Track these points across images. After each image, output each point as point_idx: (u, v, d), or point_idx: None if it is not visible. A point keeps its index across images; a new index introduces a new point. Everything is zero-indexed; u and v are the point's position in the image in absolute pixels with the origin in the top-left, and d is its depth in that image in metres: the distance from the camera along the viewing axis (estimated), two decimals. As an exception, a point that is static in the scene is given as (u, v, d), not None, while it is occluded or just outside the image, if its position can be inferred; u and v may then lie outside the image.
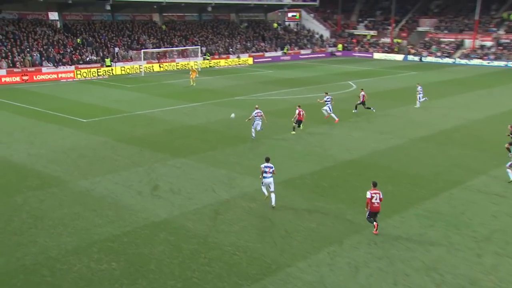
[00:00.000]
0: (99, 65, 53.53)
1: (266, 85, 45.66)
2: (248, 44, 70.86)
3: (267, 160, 16.89)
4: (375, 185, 14.84)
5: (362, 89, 33.15)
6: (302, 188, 18.72)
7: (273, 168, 16.59)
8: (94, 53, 55.16)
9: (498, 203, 17.39)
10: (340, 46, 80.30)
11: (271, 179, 16.59)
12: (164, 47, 60.75)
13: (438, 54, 70.85)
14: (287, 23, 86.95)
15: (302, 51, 75.82)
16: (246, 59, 66.44)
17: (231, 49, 67.28)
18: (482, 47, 69.97)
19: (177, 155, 22.79)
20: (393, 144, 25.13)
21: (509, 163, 19.41)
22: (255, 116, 25.53)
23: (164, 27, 66.82)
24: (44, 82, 47.87)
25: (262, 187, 17.01)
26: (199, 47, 61.76)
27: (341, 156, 22.97)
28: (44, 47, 52.17)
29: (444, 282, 12.26)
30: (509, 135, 22.46)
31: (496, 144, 24.32)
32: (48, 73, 49.43)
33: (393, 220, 15.80)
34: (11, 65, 48.07)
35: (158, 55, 59.14)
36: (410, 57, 72.04)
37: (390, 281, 12.30)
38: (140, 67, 55.36)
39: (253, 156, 22.41)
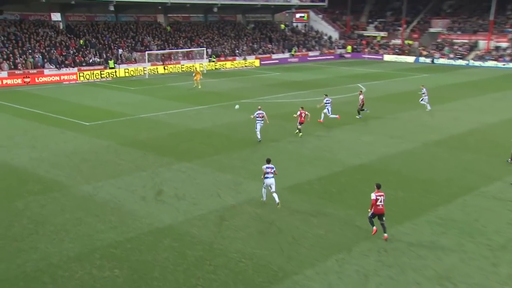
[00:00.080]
0: (102, 67, 53.77)
1: (273, 88, 45.70)
2: (255, 45, 70.97)
3: (268, 161, 17.41)
4: (379, 187, 15.00)
5: (360, 91, 33.11)
6: (310, 194, 18.70)
7: (275, 169, 17.20)
8: (97, 54, 55.44)
9: (514, 210, 17.28)
10: (349, 47, 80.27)
11: (272, 180, 17.09)
12: (169, 49, 60.95)
13: (451, 55, 70.60)
14: (294, 24, 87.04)
15: (310, 53, 75.82)
16: (252, 61, 66.53)
17: (237, 51, 67.42)
18: (497, 48, 69.67)
19: (182, 159, 22.83)
20: (404, 149, 25.04)
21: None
22: (256, 117, 25.78)
23: (169, 28, 67.08)
24: (46, 84, 48.14)
25: (263, 188, 17.44)
26: (205, 48, 61.93)
27: (350, 160, 22.92)
28: (46, 48, 52.49)
29: (457, 292, 12.20)
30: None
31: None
32: (50, 75, 49.67)
33: (404, 227, 15.73)
34: (12, 67, 48.36)
35: (163, 57, 59.35)
36: (422, 59, 71.85)
37: (401, 290, 12.25)
38: (144, 69, 55.56)
39: (259, 161, 22.33)
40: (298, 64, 70.02)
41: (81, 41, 56.67)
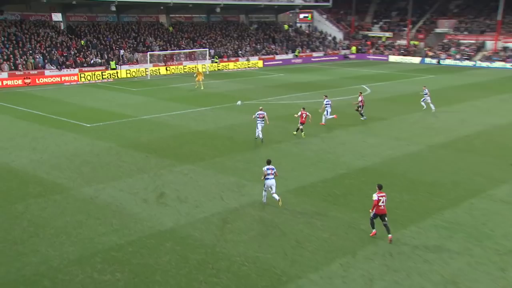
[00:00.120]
0: (103, 68, 53.92)
1: (277, 89, 45.71)
2: (258, 46, 71.04)
3: (269, 162, 17.57)
4: (380, 187, 15.10)
5: (360, 93, 33.12)
6: (314, 196, 18.68)
7: (275, 170, 17.37)
8: (99, 55, 55.60)
9: (522, 213, 17.22)
10: (353, 48, 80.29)
11: (273, 181, 17.26)
12: (171, 50, 61.08)
13: (458, 56, 70.54)
14: (298, 25, 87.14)
15: (314, 54, 75.88)
16: (256, 62, 66.60)
17: (240, 52, 67.50)
18: (505, 49, 69.56)
19: (184, 162, 22.85)
20: (409, 151, 25.01)
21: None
22: (257, 117, 26.02)
23: (171, 28, 67.22)
24: (47, 85, 48.28)
25: (264, 191, 17.59)
26: (207, 49, 62.02)
27: (354, 163, 22.90)
28: (47, 49, 52.66)
29: (464, 297, 12.16)
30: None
31: (519, 151, 24.14)
32: (51, 76, 49.83)
33: (410, 230, 15.69)
34: (13, 67, 48.54)
35: (165, 58, 59.47)
36: (428, 60, 71.81)
37: (406, 294, 12.22)
38: (146, 70, 55.67)
39: (262, 163, 22.17)
40: (302, 65, 70.07)
41: (82, 42, 56.84)
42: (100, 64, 54.23)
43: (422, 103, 34.99)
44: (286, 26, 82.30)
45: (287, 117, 31.69)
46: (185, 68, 59.37)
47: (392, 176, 21.08)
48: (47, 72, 49.97)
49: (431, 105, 34.63)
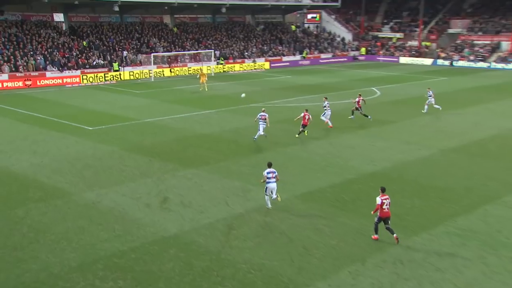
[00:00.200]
0: (106, 69, 54.19)
1: (284, 92, 45.74)
2: (265, 47, 71.15)
3: (270, 165, 17.66)
4: (383, 190, 15.27)
5: (360, 94, 33.21)
6: (322, 202, 18.65)
7: (276, 173, 17.44)
8: (101, 57, 55.87)
9: (538, 220, 17.11)
10: (363, 49, 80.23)
11: (274, 185, 17.39)
12: (175, 51, 61.29)
13: (471, 57, 70.28)
14: (306, 25, 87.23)
15: (323, 55, 75.91)
16: (262, 63, 66.69)
17: (246, 53, 67.63)
18: (521, 50, 69.30)
19: (188, 166, 22.89)
20: (420, 155, 24.92)
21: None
22: (259, 119, 26.36)
23: (175, 29, 67.46)
24: (48, 87, 48.57)
25: (266, 196, 17.63)
26: (213, 50, 62.18)
27: (363, 167, 22.85)
28: (49, 50, 52.98)
29: (477, 306, 12.09)
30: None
31: (534, 155, 24.01)
32: (53, 78, 50.14)
33: (421, 237, 15.63)
34: (13, 69, 48.87)
35: (169, 59, 59.68)
36: (440, 62, 71.63)
37: (418, 304, 12.16)
38: (150, 72, 55.88)
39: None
40: (309, 66, 70.07)
41: (85, 43, 57.14)
42: (103, 66, 54.50)
43: (425, 107, 34.89)
44: (293, 27, 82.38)
45: (294, 120, 31.67)
46: (190, 70, 59.54)
47: (402, 181, 21.01)
48: (48, 74, 50.28)
49: (436, 106, 34.82)
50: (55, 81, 50.02)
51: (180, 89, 47.84)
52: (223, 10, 67.15)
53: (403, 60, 74.91)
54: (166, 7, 64.89)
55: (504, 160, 24.14)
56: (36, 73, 49.61)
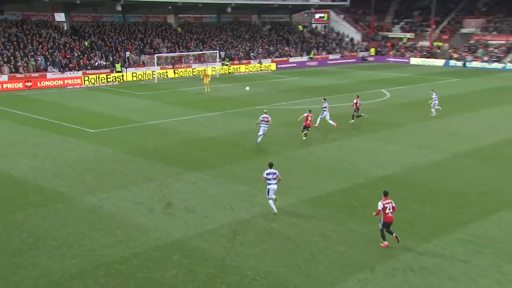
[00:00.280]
0: (108, 70, 54.35)
1: (291, 94, 45.75)
2: (271, 48, 71.22)
3: (271, 166, 17.78)
4: (386, 194, 15.34)
5: (357, 96, 33.23)
6: (330, 207, 18.62)
7: (277, 174, 17.49)
8: (104, 57, 56.07)
9: (554, 227, 17.00)
10: (372, 50, 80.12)
11: (275, 186, 17.50)
12: (180, 52, 61.43)
13: (485, 58, 70.03)
14: (314, 25, 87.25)
15: (331, 56, 75.87)
16: (268, 64, 66.75)
17: (252, 54, 67.70)
18: (537, 50, 69.02)
19: (193, 170, 22.91)
20: (432, 160, 24.85)
21: None
22: (261, 121, 26.55)
23: (179, 29, 67.65)
24: (49, 88, 48.77)
25: (270, 201, 17.67)
26: (218, 51, 62.27)
27: (373, 172, 22.80)
28: (50, 50, 53.21)
29: (491, 316, 12.01)
30: None
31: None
32: (54, 79, 50.35)
33: (433, 245, 15.56)
34: (13, 70, 49.08)
35: (173, 60, 59.81)
36: (452, 62, 71.46)
37: (429, 313, 12.11)
38: (153, 73, 56.03)
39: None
40: (317, 68, 70.05)
41: (86, 43, 57.37)
42: (105, 67, 54.67)
43: (432, 110, 34.76)
44: (300, 27, 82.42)
45: (301, 123, 31.65)
46: (194, 71, 59.62)
47: (413, 186, 20.95)
48: (49, 75, 50.46)
49: (433, 110, 34.77)
50: (56, 83, 50.22)
51: (184, 90, 47.95)
52: (229, 9, 67.28)
53: (414, 61, 74.74)
54: (170, 7, 65.06)
55: (519, 165, 24.03)
56: (37, 74, 49.81)
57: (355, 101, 32.52)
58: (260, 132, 26.90)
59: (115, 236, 16.10)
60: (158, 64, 56.68)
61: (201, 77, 48.02)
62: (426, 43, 78.67)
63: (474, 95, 44.95)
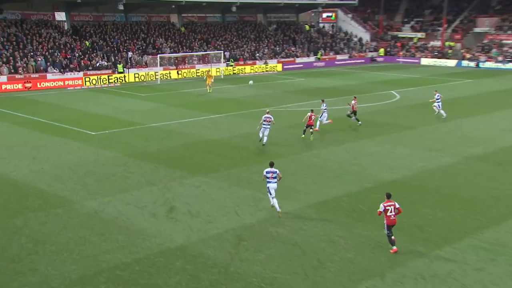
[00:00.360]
0: (110, 71, 54.52)
1: (297, 95, 45.74)
2: (277, 48, 71.29)
3: (271, 164, 18.07)
4: (388, 196, 15.45)
5: (355, 97, 33.22)
6: (337, 212, 18.59)
7: (278, 172, 17.78)
8: (105, 58, 56.27)
9: None
10: (382, 50, 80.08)
11: (275, 185, 17.79)
12: (183, 52, 61.57)
13: (500, 58, 69.81)
14: (321, 25, 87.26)
15: (338, 57, 75.88)
16: (274, 65, 66.80)
17: (257, 54, 67.79)
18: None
19: (196, 173, 22.94)
20: (443, 163, 24.78)
21: None
22: (264, 121, 26.84)
23: (183, 29, 67.83)
24: (49, 90, 48.95)
25: (273, 199, 17.78)
26: (222, 51, 62.38)
27: (382, 175, 22.76)
28: (50, 51, 53.45)
29: (505, 325, 11.96)
30: None
31: None
32: (54, 80, 50.55)
33: (445, 251, 15.50)
34: (12, 70, 49.31)
35: (176, 61, 59.94)
36: (465, 63, 71.30)
37: (441, 322, 12.06)
38: (156, 74, 56.17)
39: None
40: (324, 68, 70.06)
41: (88, 43, 57.60)
42: (107, 67, 54.85)
43: (441, 112, 34.72)
44: (307, 27, 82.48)
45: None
46: (198, 72, 59.73)
47: (424, 190, 20.89)
48: (49, 76, 50.69)
49: (440, 111, 34.72)
50: (56, 84, 50.41)
51: (188, 92, 48.04)
52: (234, 8, 67.39)
53: (425, 61, 74.63)
54: (173, 6, 65.26)
55: (533, 169, 23.93)
56: (37, 75, 50.03)
57: (353, 102, 32.44)
58: (261, 134, 27.12)
59: (117, 241, 16.13)
60: (161, 65, 56.81)
61: (205, 78, 48.13)
62: (437, 43, 78.53)
63: (487, 97, 44.81)
